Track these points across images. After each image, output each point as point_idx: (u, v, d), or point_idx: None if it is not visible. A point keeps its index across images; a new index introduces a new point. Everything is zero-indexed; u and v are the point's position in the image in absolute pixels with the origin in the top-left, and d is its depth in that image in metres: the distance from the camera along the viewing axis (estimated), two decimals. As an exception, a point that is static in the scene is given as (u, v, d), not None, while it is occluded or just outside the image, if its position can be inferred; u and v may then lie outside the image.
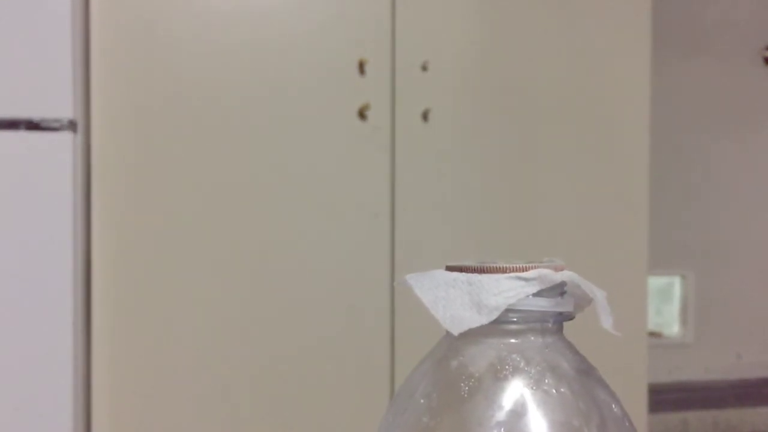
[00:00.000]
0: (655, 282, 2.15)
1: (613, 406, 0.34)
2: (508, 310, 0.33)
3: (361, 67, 1.38)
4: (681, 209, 2.18)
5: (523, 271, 0.34)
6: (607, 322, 0.34)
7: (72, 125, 1.24)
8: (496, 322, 0.33)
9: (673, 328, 2.22)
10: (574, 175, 1.50)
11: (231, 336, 1.34)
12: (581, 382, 0.34)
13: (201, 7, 1.32)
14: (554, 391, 0.33)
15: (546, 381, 0.33)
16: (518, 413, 0.32)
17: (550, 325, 0.35)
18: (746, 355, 2.24)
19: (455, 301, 0.33)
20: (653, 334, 2.15)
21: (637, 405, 1.51)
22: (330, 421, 1.39)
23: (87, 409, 1.29)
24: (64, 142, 1.23)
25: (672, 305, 2.22)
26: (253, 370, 1.35)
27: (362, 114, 1.38)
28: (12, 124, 1.21)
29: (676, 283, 2.21)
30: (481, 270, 0.34)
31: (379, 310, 1.40)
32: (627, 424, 0.34)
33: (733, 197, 2.22)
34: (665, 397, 2.10)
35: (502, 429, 0.32)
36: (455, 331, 0.33)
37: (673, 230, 2.16)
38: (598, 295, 0.34)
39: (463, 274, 0.34)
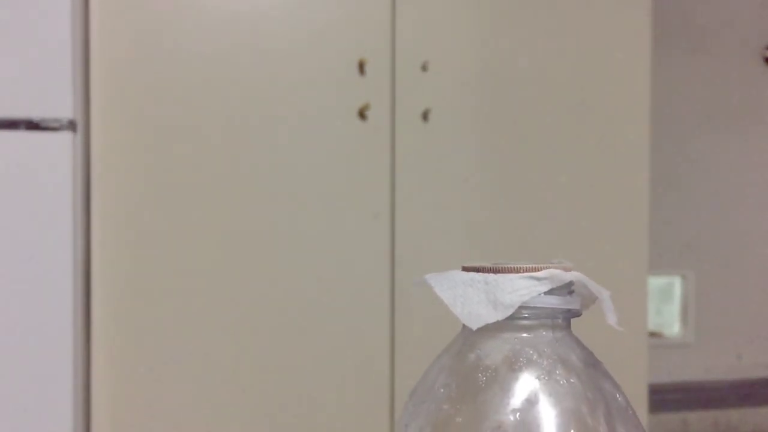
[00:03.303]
0: (655, 282, 2.15)
1: (618, 396, 0.37)
2: (521, 307, 0.36)
3: (361, 67, 1.38)
4: (681, 209, 2.18)
5: (535, 271, 0.36)
6: (612, 319, 0.37)
7: (72, 125, 1.24)
8: (510, 318, 0.36)
9: (673, 328, 2.22)
10: (574, 175, 1.50)
11: (230, 336, 1.34)
12: (588, 373, 0.37)
13: (201, 7, 1.32)
14: (564, 381, 0.36)
15: (557, 372, 0.36)
16: (531, 401, 0.35)
17: (559, 321, 0.38)
18: (747, 356, 2.24)
19: (472, 298, 0.36)
20: (653, 334, 2.15)
21: (637, 405, 1.51)
22: (330, 421, 1.38)
23: (87, 409, 1.29)
24: (64, 142, 1.23)
25: (672, 305, 2.22)
26: (252, 369, 1.35)
27: (362, 114, 1.38)
28: (12, 124, 1.21)
29: (676, 283, 2.21)
30: (496, 270, 0.37)
31: (379, 310, 1.40)
32: (630, 412, 0.37)
33: (734, 197, 2.22)
34: (665, 397, 2.10)
35: (517, 415, 0.34)
36: (473, 326, 0.36)
37: (673, 230, 2.16)
38: (604, 294, 0.37)
39: (480, 274, 0.37)
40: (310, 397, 1.37)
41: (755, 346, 2.24)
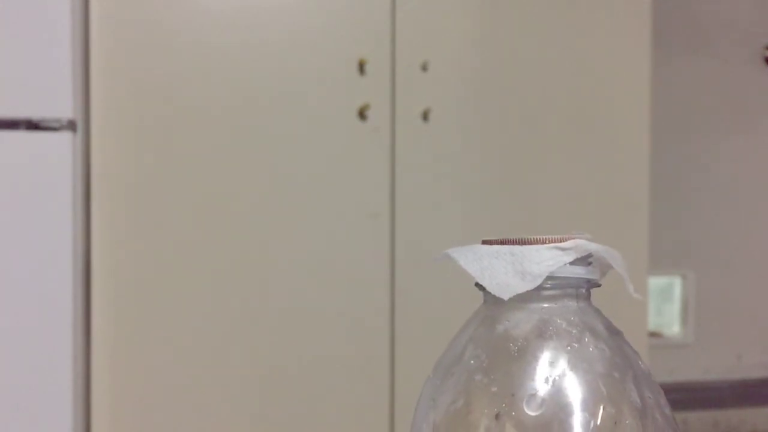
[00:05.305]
0: (655, 282, 2.15)
1: (640, 362, 0.38)
2: (546, 278, 0.36)
3: (361, 67, 1.38)
4: (681, 209, 2.18)
5: (559, 242, 0.37)
6: (630, 287, 0.38)
7: (72, 125, 1.24)
8: (536, 289, 0.36)
9: (673, 328, 2.22)
10: (574, 175, 1.50)
11: (230, 336, 1.34)
12: (614, 340, 0.37)
13: (201, 7, 1.32)
14: (593, 348, 0.36)
15: (585, 340, 0.36)
16: (565, 368, 0.35)
17: (583, 291, 0.38)
18: (746, 356, 2.24)
19: (499, 270, 0.37)
20: (653, 335, 2.15)
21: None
22: (330, 421, 1.38)
23: (87, 409, 1.29)
24: (64, 142, 1.23)
25: (672, 305, 2.22)
26: (252, 370, 1.35)
27: (362, 114, 1.38)
28: (12, 124, 1.21)
29: (676, 283, 2.21)
30: (521, 242, 0.37)
31: (379, 310, 1.40)
32: (652, 378, 0.38)
33: (734, 197, 2.22)
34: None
35: (552, 381, 0.35)
36: (505, 296, 0.36)
37: (673, 230, 2.15)
38: (621, 264, 0.38)
39: (505, 246, 0.37)
40: (310, 397, 1.37)
41: (755, 346, 2.24)
